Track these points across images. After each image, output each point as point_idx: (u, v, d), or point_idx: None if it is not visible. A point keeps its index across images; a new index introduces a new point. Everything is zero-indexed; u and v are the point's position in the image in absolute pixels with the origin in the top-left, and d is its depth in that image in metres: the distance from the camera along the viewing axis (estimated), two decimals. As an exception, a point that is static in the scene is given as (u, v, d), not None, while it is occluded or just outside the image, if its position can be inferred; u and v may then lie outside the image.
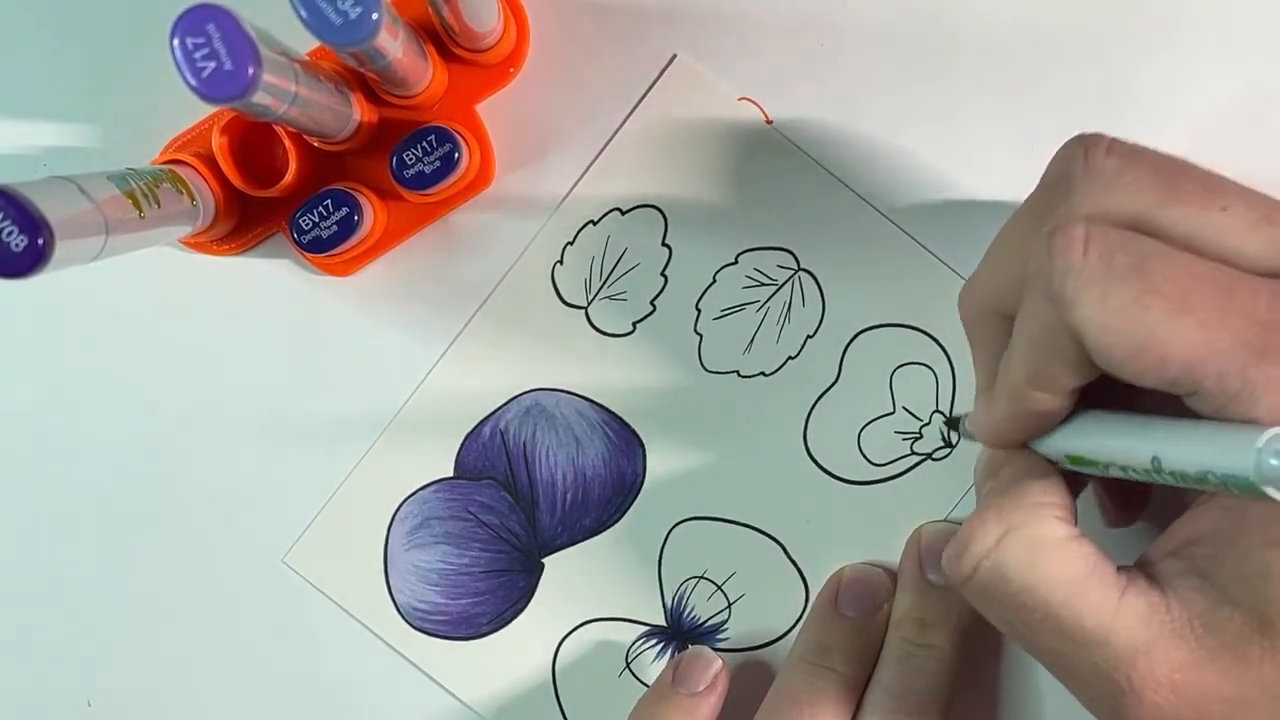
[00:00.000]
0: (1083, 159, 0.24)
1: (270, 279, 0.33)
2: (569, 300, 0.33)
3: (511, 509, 0.33)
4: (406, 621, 0.33)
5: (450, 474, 0.33)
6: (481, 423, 0.33)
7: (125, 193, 0.27)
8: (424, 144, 0.31)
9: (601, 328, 0.33)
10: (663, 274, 0.33)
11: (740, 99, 0.32)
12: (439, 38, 0.31)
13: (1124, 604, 0.23)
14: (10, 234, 0.23)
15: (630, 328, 0.33)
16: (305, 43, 0.27)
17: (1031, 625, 0.23)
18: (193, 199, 0.30)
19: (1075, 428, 0.25)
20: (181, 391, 0.33)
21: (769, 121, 0.32)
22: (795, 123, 0.32)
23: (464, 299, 0.33)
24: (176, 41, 0.24)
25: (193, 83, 0.24)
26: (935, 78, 0.32)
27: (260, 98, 0.25)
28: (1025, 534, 0.24)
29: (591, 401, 0.33)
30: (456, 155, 0.31)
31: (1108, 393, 0.24)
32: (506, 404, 0.33)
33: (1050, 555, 0.23)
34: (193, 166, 0.31)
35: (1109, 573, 0.23)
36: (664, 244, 0.33)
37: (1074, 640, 0.23)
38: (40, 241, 0.24)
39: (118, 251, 0.27)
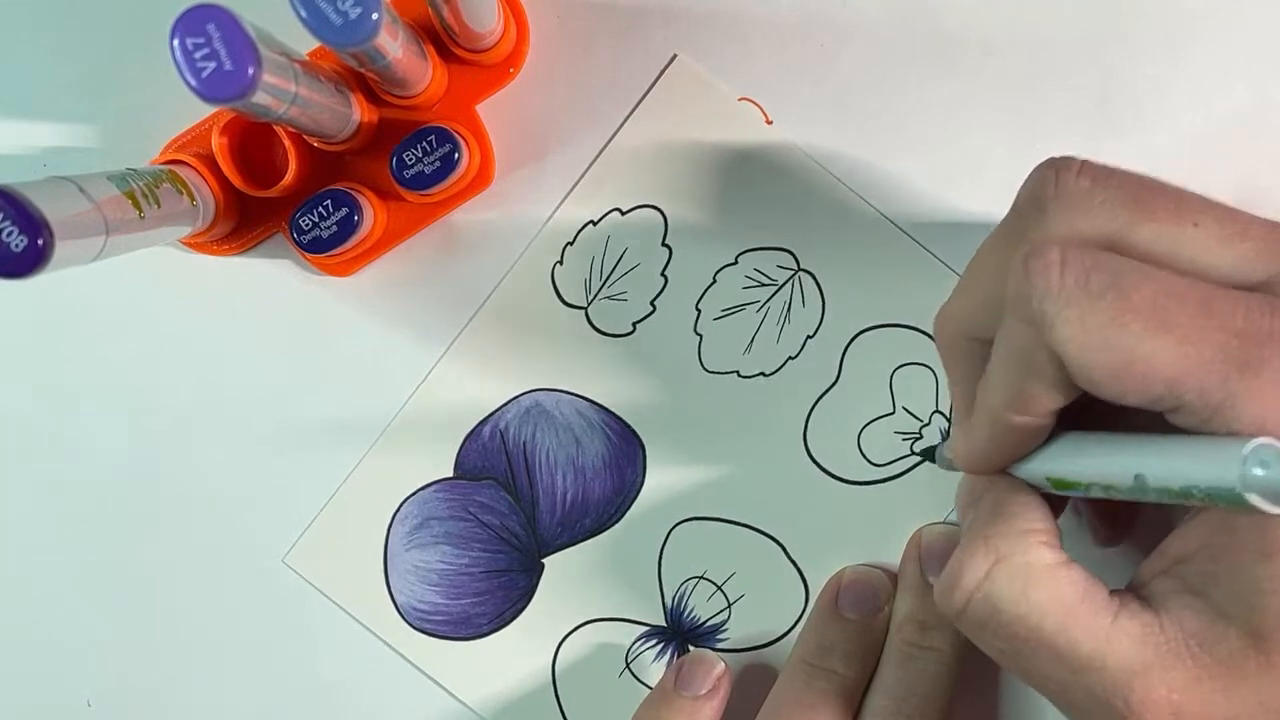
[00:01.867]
0: (1054, 182, 0.24)
1: (270, 279, 0.33)
2: (569, 300, 0.33)
3: (511, 509, 0.33)
4: (406, 622, 0.33)
5: (450, 474, 0.33)
6: (481, 423, 0.33)
7: (125, 193, 0.27)
8: (424, 144, 0.31)
9: (601, 328, 0.33)
10: (663, 274, 0.33)
11: (740, 99, 0.32)
12: (439, 38, 0.31)
13: (1117, 627, 0.23)
14: (10, 234, 0.23)
15: (630, 328, 0.33)
16: (305, 43, 0.27)
17: (1026, 654, 0.23)
18: (193, 199, 0.30)
19: (1055, 450, 0.25)
20: (181, 391, 0.33)
21: (769, 122, 0.32)
22: (795, 122, 0.32)
23: (464, 299, 0.33)
24: (176, 42, 0.24)
25: (193, 83, 0.24)
26: (935, 78, 0.32)
27: (260, 98, 0.25)
28: (1015, 563, 0.24)
29: (591, 402, 0.33)
30: (456, 155, 0.31)
31: (1086, 414, 0.24)
32: (506, 404, 0.33)
33: (1041, 583, 0.23)
34: (193, 166, 0.31)
35: (1101, 597, 0.23)
36: (664, 244, 0.33)
37: (1070, 667, 0.23)
38: (40, 242, 0.24)
39: (118, 252, 0.27)
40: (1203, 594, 0.23)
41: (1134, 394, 0.21)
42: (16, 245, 0.23)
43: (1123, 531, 0.29)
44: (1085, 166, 0.24)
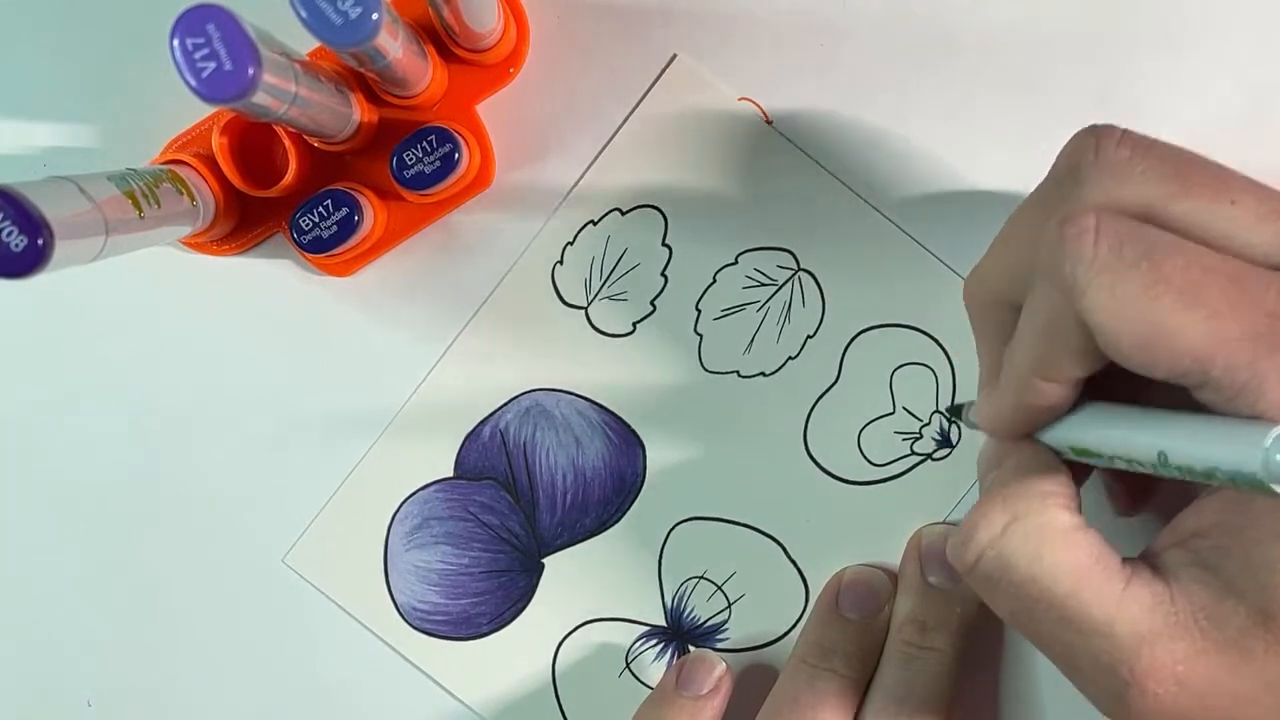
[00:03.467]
0: (1094, 150, 0.24)
1: (270, 279, 0.33)
2: (569, 300, 0.33)
3: (511, 509, 0.33)
4: (406, 622, 0.33)
5: (450, 474, 0.33)
6: (481, 423, 0.33)
7: (125, 193, 0.27)
8: (424, 144, 0.31)
9: (602, 328, 0.33)
10: (663, 274, 0.33)
11: (740, 99, 0.32)
12: (439, 38, 0.31)
13: (1129, 594, 0.23)
14: (10, 234, 0.23)
15: (630, 328, 0.33)
16: (305, 43, 0.27)
17: (1035, 615, 0.23)
18: (193, 199, 0.30)
19: (1080, 419, 0.25)
20: (182, 391, 0.33)
21: (769, 122, 0.32)
22: (795, 122, 0.32)
23: (464, 299, 0.33)
24: (176, 42, 0.24)
25: (192, 83, 0.24)
26: (935, 77, 0.32)
27: (260, 98, 0.25)
28: (1031, 523, 0.23)
29: (591, 401, 0.33)
30: (456, 155, 0.31)
31: (1113, 384, 0.24)
32: (506, 404, 0.33)
33: (1055, 544, 0.23)
34: (193, 166, 0.31)
35: (1114, 563, 0.23)
36: (664, 244, 0.33)
37: (1078, 630, 0.23)
38: (40, 242, 0.23)
39: (118, 252, 0.27)
40: (1215, 569, 0.23)
41: (1161, 367, 0.21)
42: (16, 245, 0.23)
43: (1142, 502, 0.29)
44: (1126, 136, 0.24)
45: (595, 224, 0.33)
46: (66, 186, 0.25)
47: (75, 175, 0.26)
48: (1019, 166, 0.31)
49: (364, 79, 0.31)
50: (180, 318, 0.33)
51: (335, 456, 0.33)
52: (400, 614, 0.33)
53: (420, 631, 0.33)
